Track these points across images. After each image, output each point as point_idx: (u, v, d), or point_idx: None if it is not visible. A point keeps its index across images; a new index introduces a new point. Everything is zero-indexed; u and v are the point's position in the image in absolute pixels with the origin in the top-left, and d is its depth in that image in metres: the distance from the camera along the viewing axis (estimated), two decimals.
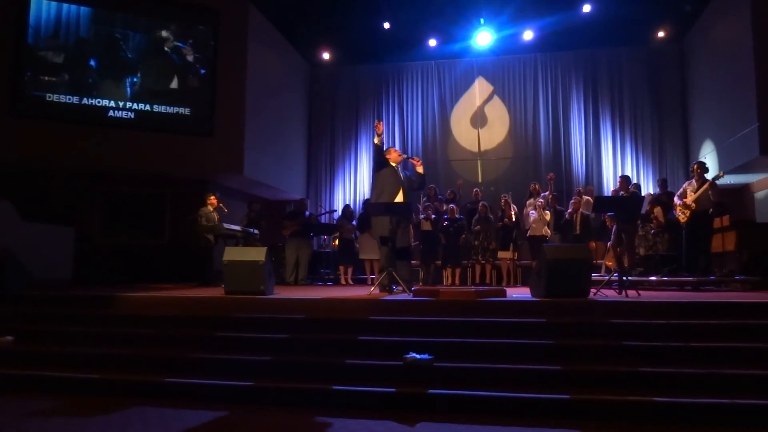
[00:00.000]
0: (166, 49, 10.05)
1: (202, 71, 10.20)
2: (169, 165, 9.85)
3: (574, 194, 10.06)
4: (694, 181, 7.20)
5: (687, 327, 4.03)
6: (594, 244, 8.95)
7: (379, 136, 6.13)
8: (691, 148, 11.73)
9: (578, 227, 9.03)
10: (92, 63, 9.58)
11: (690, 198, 7.03)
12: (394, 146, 6.57)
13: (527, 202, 9.93)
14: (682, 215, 7.14)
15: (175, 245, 10.12)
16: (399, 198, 6.02)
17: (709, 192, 7.00)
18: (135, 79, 9.83)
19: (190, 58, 10.16)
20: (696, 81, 11.39)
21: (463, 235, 9.48)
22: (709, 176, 7.28)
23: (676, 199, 7.37)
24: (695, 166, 7.32)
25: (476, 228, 9.37)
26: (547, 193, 9.66)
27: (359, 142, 13.39)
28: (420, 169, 6.23)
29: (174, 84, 10.05)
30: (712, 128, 10.53)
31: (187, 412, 3.44)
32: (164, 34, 10.04)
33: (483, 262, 9.34)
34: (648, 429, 3.06)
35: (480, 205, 9.62)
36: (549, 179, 10.01)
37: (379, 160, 6.20)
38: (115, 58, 9.71)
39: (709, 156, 10.44)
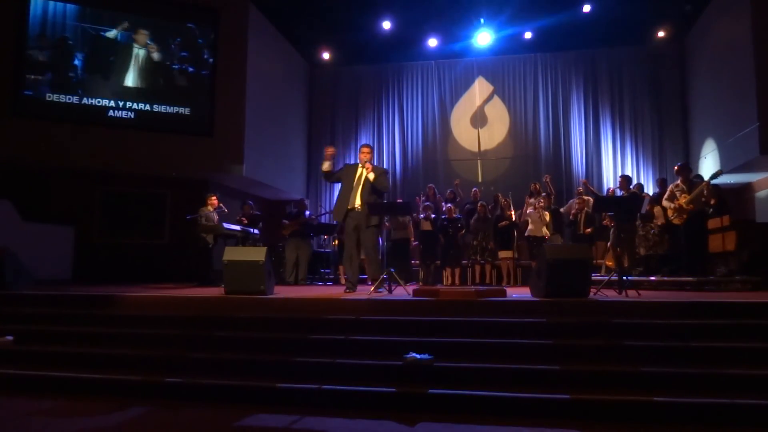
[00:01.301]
0: (166, 48, 10.05)
1: (202, 71, 10.20)
2: (169, 165, 9.86)
3: (575, 194, 10.05)
4: (679, 182, 7.15)
5: (687, 327, 4.03)
6: (590, 232, 8.96)
7: (328, 162, 5.89)
8: (691, 148, 11.73)
9: (582, 227, 9.03)
10: (92, 63, 9.58)
11: (683, 200, 6.97)
12: (370, 146, 6.30)
13: (528, 202, 9.93)
14: (678, 218, 7.08)
15: (175, 245, 10.13)
16: (356, 198, 5.88)
17: (704, 192, 6.96)
18: (135, 79, 9.83)
19: (190, 57, 10.17)
20: (696, 81, 11.40)
21: (461, 233, 9.47)
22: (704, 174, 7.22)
23: (665, 202, 7.30)
24: (679, 168, 7.28)
25: (474, 228, 9.37)
26: (545, 193, 9.65)
27: (359, 142, 13.37)
28: (370, 176, 5.90)
29: (174, 84, 10.05)
30: (712, 128, 10.53)
31: (186, 411, 3.44)
32: (164, 33, 10.04)
33: (482, 262, 9.34)
34: (648, 429, 3.05)
35: (479, 204, 9.62)
36: (546, 182, 9.98)
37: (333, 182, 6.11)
38: (116, 57, 9.72)
39: (710, 155, 10.41)
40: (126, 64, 9.78)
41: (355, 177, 5.98)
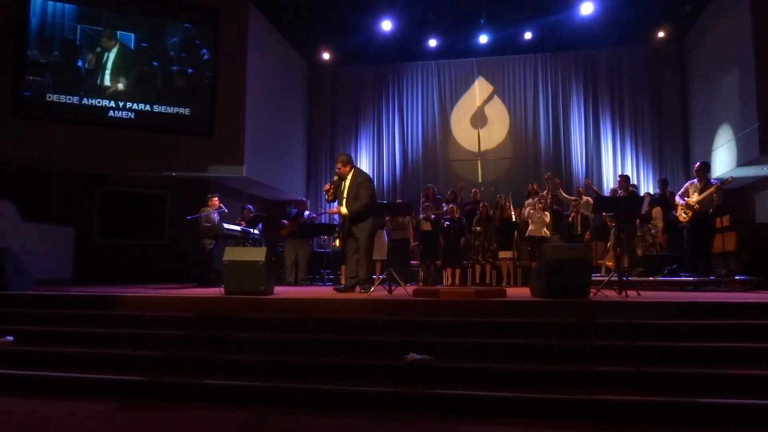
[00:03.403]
0: (166, 49, 10.05)
1: (202, 71, 10.20)
2: (169, 165, 9.86)
3: (574, 194, 10.05)
4: (696, 181, 7.18)
5: (687, 327, 4.03)
6: (588, 236, 8.96)
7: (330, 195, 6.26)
8: (691, 148, 11.73)
9: (579, 228, 9.04)
10: (92, 63, 9.58)
11: (694, 199, 7.01)
12: (343, 155, 6.54)
13: (525, 203, 9.93)
14: (683, 215, 7.13)
15: (175, 245, 10.13)
16: (343, 206, 6.09)
17: (714, 195, 7.00)
18: (135, 79, 9.83)
19: (189, 58, 10.17)
20: (696, 81, 11.39)
21: (463, 237, 9.45)
22: (712, 174, 7.24)
23: (677, 198, 7.35)
24: (699, 166, 7.30)
25: (477, 228, 9.35)
26: (545, 192, 9.64)
27: (359, 142, 13.40)
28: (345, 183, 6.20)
29: (173, 84, 10.06)
30: (712, 128, 10.52)
31: (187, 411, 3.44)
32: (165, 34, 10.05)
33: (483, 262, 9.33)
34: (648, 429, 3.06)
35: (480, 205, 9.61)
36: (546, 179, 9.95)
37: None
38: (116, 58, 9.72)
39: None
40: (126, 64, 9.78)
41: (341, 187, 6.19)
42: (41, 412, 3.45)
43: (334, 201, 6.38)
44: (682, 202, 7.18)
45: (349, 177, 6.14)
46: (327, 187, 6.31)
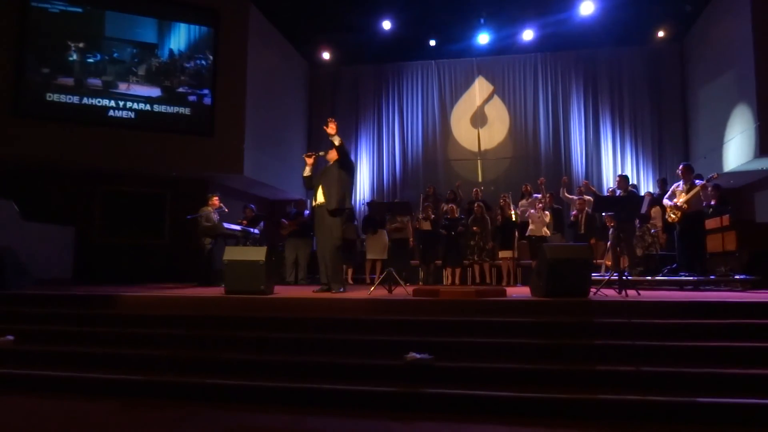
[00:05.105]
0: (166, 48, 10.05)
1: (203, 71, 10.21)
2: (169, 165, 9.86)
3: (575, 194, 10.04)
4: (682, 183, 7.23)
5: (687, 327, 4.03)
6: (593, 240, 8.95)
7: (309, 167, 6.20)
8: (691, 148, 11.73)
9: (583, 227, 9.03)
10: (92, 63, 9.58)
11: (681, 199, 7.06)
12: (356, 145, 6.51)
13: (519, 203, 9.93)
14: (672, 215, 7.20)
15: (175, 245, 10.13)
16: (319, 192, 6.01)
17: (701, 194, 7.06)
18: (135, 79, 9.83)
19: (190, 57, 10.17)
20: (696, 81, 11.39)
21: (460, 230, 9.44)
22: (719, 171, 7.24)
23: (665, 200, 7.41)
24: (683, 168, 7.35)
25: (474, 228, 9.35)
26: (539, 195, 9.61)
27: (359, 142, 13.39)
28: (335, 140, 6.04)
29: (174, 84, 10.06)
30: (712, 128, 10.52)
31: (186, 411, 3.44)
32: (165, 34, 10.05)
33: (479, 261, 9.32)
34: (647, 429, 3.06)
35: (476, 204, 9.61)
36: (540, 183, 9.88)
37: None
38: (116, 57, 9.72)
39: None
40: (126, 64, 9.78)
41: (321, 174, 6.11)
42: (41, 412, 3.45)
43: (309, 187, 6.29)
44: (670, 203, 7.26)
45: (332, 163, 6.08)
46: (312, 154, 6.24)
